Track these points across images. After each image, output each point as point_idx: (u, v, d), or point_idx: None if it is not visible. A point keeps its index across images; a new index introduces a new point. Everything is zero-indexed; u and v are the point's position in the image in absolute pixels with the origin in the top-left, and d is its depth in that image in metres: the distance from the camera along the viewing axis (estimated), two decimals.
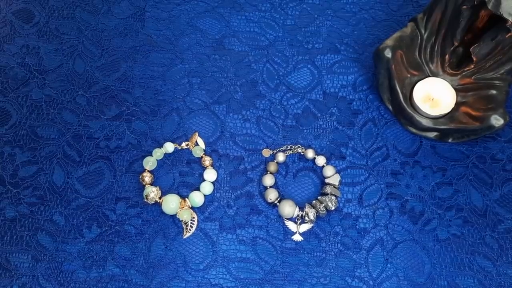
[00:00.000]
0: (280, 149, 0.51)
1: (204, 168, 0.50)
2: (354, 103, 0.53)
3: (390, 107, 0.52)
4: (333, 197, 0.48)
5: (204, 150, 0.50)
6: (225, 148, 0.51)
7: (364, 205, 0.49)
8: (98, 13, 0.57)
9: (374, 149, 0.51)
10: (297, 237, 0.47)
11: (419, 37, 0.52)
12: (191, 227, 0.47)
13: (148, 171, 0.49)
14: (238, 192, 0.49)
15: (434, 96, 0.50)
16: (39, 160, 0.49)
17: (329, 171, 0.49)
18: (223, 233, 0.47)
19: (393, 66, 0.49)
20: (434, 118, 0.50)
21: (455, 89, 0.51)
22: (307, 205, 0.47)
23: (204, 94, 0.53)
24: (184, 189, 0.49)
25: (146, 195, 0.47)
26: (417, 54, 0.52)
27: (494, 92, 0.48)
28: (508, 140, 0.51)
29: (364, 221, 0.48)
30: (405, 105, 0.50)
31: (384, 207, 0.48)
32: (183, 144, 0.50)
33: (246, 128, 0.52)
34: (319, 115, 0.52)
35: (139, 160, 0.50)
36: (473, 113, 0.48)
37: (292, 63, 0.55)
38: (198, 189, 0.49)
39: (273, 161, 0.50)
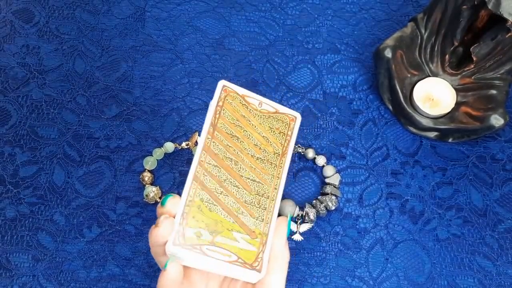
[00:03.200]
0: None
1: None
2: (354, 103, 0.53)
3: (390, 107, 0.52)
4: (333, 197, 0.48)
5: None
6: None
7: (364, 205, 0.49)
8: (98, 13, 0.57)
9: (374, 149, 0.51)
10: (297, 237, 0.47)
11: (419, 37, 0.52)
12: None
13: (148, 170, 0.49)
14: None
15: (434, 96, 0.50)
16: (39, 160, 0.49)
17: (329, 171, 0.49)
18: None
19: (393, 66, 0.49)
20: (434, 118, 0.50)
21: (455, 89, 0.51)
22: (307, 205, 0.48)
23: (204, 94, 0.53)
24: None
25: (146, 195, 0.47)
26: (417, 54, 0.52)
27: (494, 92, 0.48)
28: (508, 140, 0.51)
29: (364, 221, 0.48)
30: (405, 105, 0.50)
31: (384, 207, 0.48)
32: (183, 144, 0.50)
33: None
34: (319, 115, 0.53)
35: (139, 160, 0.50)
36: (473, 113, 0.48)
37: (292, 63, 0.55)
38: None
39: None
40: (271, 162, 0.36)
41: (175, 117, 0.52)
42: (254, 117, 0.37)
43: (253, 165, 0.35)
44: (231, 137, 0.35)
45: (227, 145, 0.35)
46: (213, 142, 0.35)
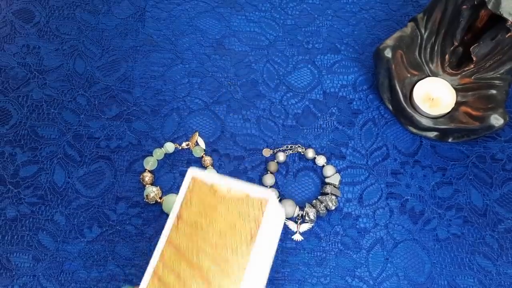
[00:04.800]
0: (280, 148, 0.51)
1: (204, 168, 0.50)
2: (354, 103, 0.53)
3: (390, 107, 0.52)
4: (333, 197, 0.48)
5: (205, 150, 0.50)
6: (226, 148, 0.51)
7: (364, 204, 0.49)
8: (98, 13, 0.57)
9: (374, 148, 0.51)
10: (297, 237, 0.47)
11: (419, 37, 0.52)
12: None
13: (148, 171, 0.49)
14: None
15: (434, 96, 0.50)
16: (39, 160, 0.50)
17: (329, 170, 0.49)
18: None
19: (393, 66, 0.49)
20: (434, 118, 0.50)
21: (455, 88, 0.51)
22: (307, 205, 0.48)
23: (204, 94, 0.53)
24: None
25: (147, 195, 0.47)
26: (417, 54, 0.52)
27: (494, 91, 0.48)
28: (508, 140, 0.51)
29: (364, 221, 0.48)
30: (405, 105, 0.50)
31: (384, 206, 0.48)
32: (184, 144, 0.50)
33: (246, 128, 0.52)
34: (319, 115, 0.53)
35: (139, 160, 0.50)
36: (473, 112, 0.48)
37: (292, 63, 0.55)
38: None
39: (274, 160, 0.50)
40: (237, 252, 0.33)
41: (175, 117, 0.52)
42: (221, 203, 0.35)
43: (215, 254, 0.34)
44: (195, 227, 0.34)
45: (190, 234, 0.34)
46: (176, 234, 0.34)
